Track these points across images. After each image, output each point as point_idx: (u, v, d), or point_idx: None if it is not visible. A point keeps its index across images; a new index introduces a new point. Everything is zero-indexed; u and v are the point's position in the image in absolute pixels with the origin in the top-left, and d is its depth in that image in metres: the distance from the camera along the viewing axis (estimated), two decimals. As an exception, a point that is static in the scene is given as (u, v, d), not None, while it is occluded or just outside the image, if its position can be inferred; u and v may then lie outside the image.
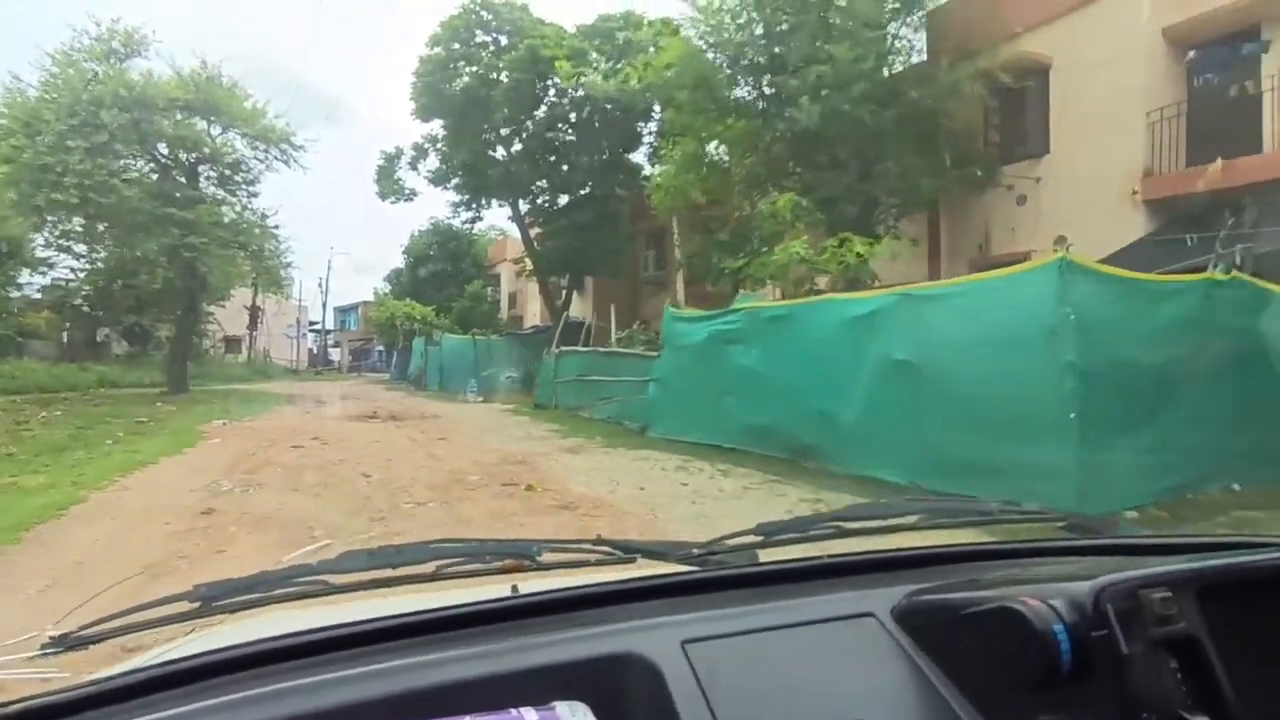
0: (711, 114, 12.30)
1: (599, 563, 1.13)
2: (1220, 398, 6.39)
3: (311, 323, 55.68)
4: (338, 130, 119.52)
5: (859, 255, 9.39)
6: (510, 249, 33.39)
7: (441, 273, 36.67)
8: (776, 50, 11.68)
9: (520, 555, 1.11)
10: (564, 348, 16.65)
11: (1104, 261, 10.15)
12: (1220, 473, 6.50)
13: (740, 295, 9.79)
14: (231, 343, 44.57)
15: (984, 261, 13.04)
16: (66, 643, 0.95)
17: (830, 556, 1.10)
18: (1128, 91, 11.32)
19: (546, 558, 1.11)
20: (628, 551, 1.14)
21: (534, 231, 26.19)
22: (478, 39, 24.97)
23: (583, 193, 24.88)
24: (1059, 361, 5.73)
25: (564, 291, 26.58)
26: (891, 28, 13.65)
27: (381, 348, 48.87)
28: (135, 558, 4.60)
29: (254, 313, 41.49)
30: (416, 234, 38.86)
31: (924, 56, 13.86)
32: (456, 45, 24.79)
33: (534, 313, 31.93)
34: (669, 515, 5.87)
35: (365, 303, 54.40)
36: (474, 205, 28.44)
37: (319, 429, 12.26)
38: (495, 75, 23.81)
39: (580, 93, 22.76)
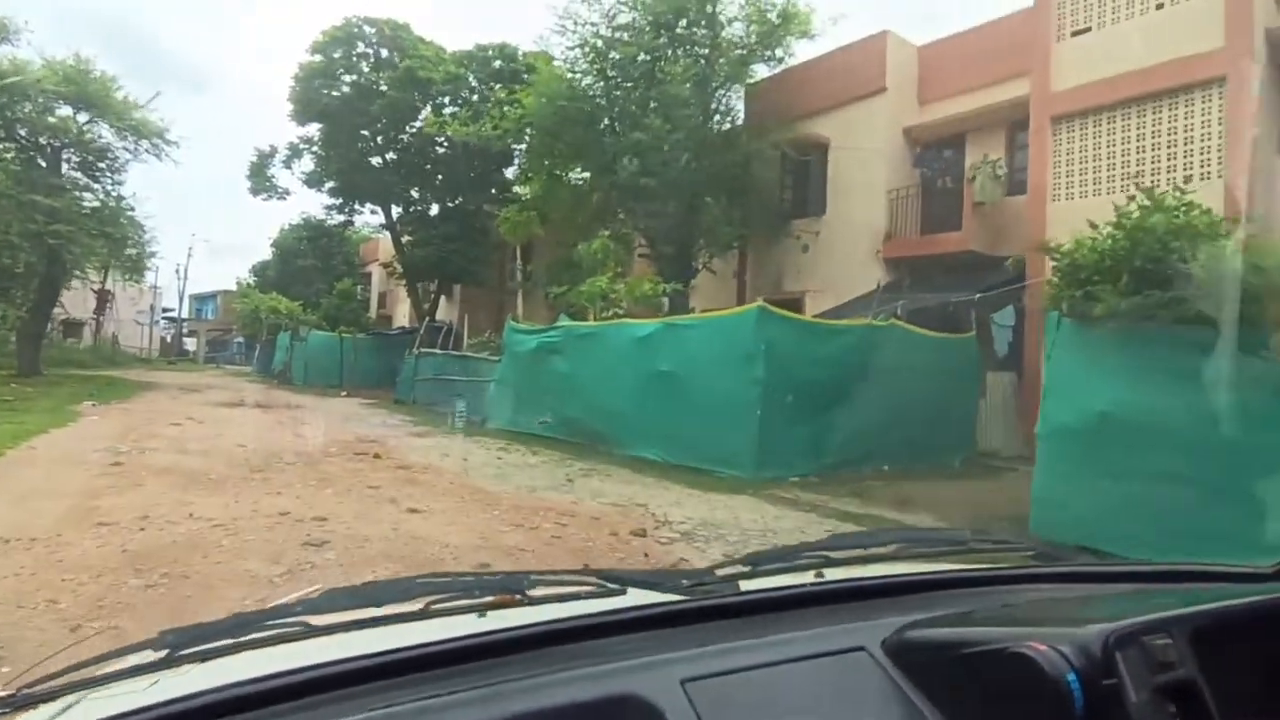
0: (556, 161, 14.73)
1: (588, 595, 1.12)
2: (873, 405, 9.34)
3: (165, 310, 53.31)
4: (203, 99, 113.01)
5: (647, 291, 12.04)
6: (383, 250, 34.22)
7: (311, 268, 36.78)
8: (613, 112, 14.25)
9: (509, 589, 1.11)
10: (424, 349, 18.47)
11: (851, 302, 13.43)
12: (872, 458, 9.48)
13: (560, 316, 12.22)
14: (72, 327, 42.33)
15: (777, 295, 16.11)
16: (14, 702, 0.87)
17: (817, 585, 1.15)
18: (878, 172, 14.70)
19: (536, 591, 1.11)
20: (618, 583, 1.15)
21: (405, 238, 27.54)
22: (359, 50, 26.22)
23: (454, 204, 26.59)
24: (753, 376, 8.48)
25: (433, 295, 28.08)
26: (718, 95, 16.67)
27: (242, 340, 47.75)
28: (69, 488, 6.32)
29: (103, 296, 39.76)
30: (287, 227, 38.84)
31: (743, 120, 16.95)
32: (338, 54, 25.91)
33: (403, 314, 33.01)
34: (478, 474, 8.17)
35: (226, 292, 52.77)
36: (347, 209, 29.37)
37: (191, 412, 13.53)
38: (375, 87, 25.16)
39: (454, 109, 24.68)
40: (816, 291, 15.10)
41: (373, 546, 4.83)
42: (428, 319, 23.69)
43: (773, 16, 16.10)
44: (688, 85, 14.95)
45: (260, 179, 29.24)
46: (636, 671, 0.86)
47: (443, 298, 28.43)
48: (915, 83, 15.05)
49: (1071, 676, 0.76)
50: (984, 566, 1.34)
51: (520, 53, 24.27)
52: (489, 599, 1.08)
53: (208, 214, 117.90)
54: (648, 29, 15.44)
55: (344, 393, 22.05)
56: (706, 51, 16.20)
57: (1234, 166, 10.02)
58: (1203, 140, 10.41)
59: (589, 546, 5.19)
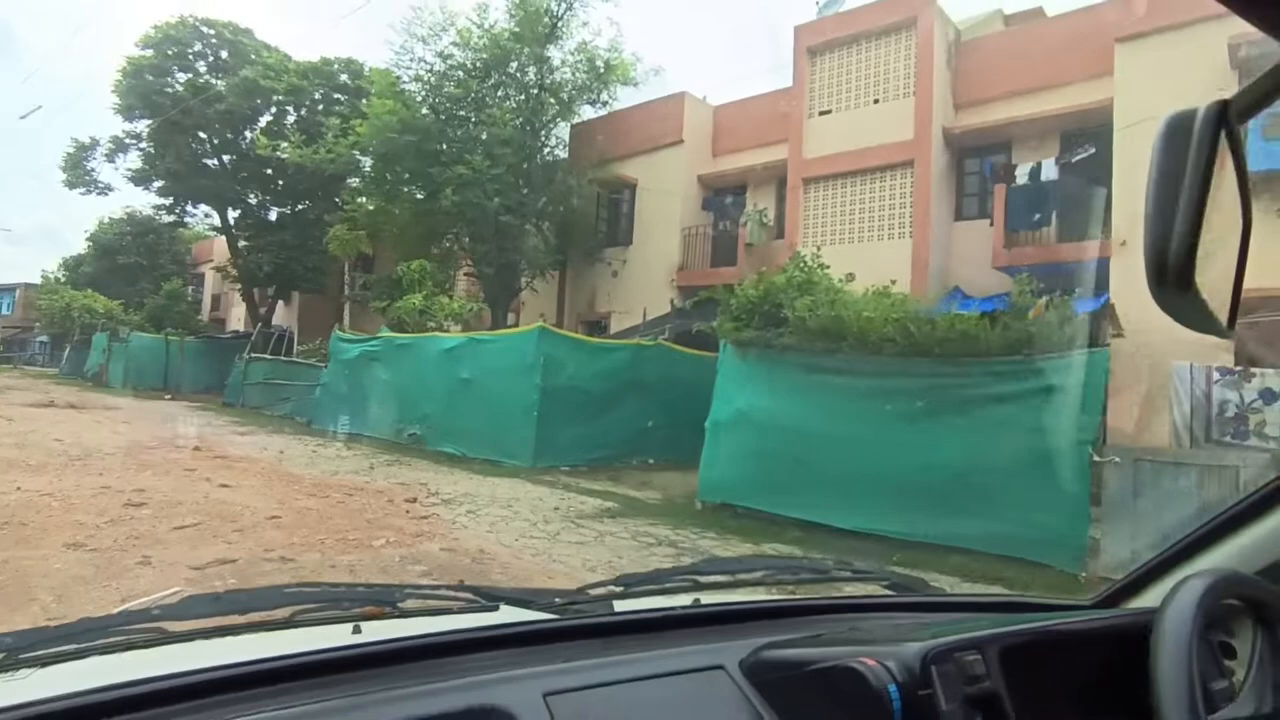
0: (389, 186, 16.05)
1: (461, 610, 1.12)
2: (637, 409, 11.44)
3: (-48, 303, 48.04)
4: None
5: (455, 309, 13.70)
6: (217, 251, 33.28)
7: (135, 266, 34.95)
8: (441, 145, 15.75)
9: (380, 601, 1.11)
10: (255, 354, 18.95)
11: (647, 322, 15.63)
12: (637, 452, 11.56)
13: (381, 328, 13.59)
14: None
15: (591, 314, 18.26)
16: None
17: (685, 608, 1.20)
18: (675, 212, 17.11)
19: (407, 604, 1.11)
20: (491, 599, 1.15)
21: (243, 242, 27.23)
22: (195, 49, 25.86)
23: (295, 211, 26.71)
24: (533, 384, 10.32)
25: (270, 300, 27.92)
26: (548, 130, 18.56)
27: (46, 339, 44.03)
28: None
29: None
30: (106, 221, 36.61)
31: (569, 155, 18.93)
32: (171, 51, 25.44)
33: (238, 318, 32.26)
34: (290, 462, 9.45)
35: (28, 286, 48.41)
36: (178, 209, 28.57)
37: (-4, 411, 13.55)
38: (213, 89, 24.95)
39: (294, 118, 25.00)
40: (621, 312, 17.27)
41: (184, 508, 6.16)
42: (262, 324, 23.82)
43: (598, 64, 18.27)
44: (511, 126, 16.72)
45: (77, 172, 27.90)
46: (501, 685, 0.88)
47: (280, 303, 28.31)
48: (710, 137, 17.66)
49: (893, 688, 0.85)
50: (841, 595, 1.45)
51: (367, 68, 25.02)
52: (358, 610, 1.07)
53: (4, 198, 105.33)
54: (478, 69, 17.10)
55: (168, 396, 21.80)
56: (536, 91, 18.09)
57: (919, 227, 13.11)
58: (900, 206, 13.47)
59: (366, 508, 6.78)
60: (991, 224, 12.57)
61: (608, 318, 17.41)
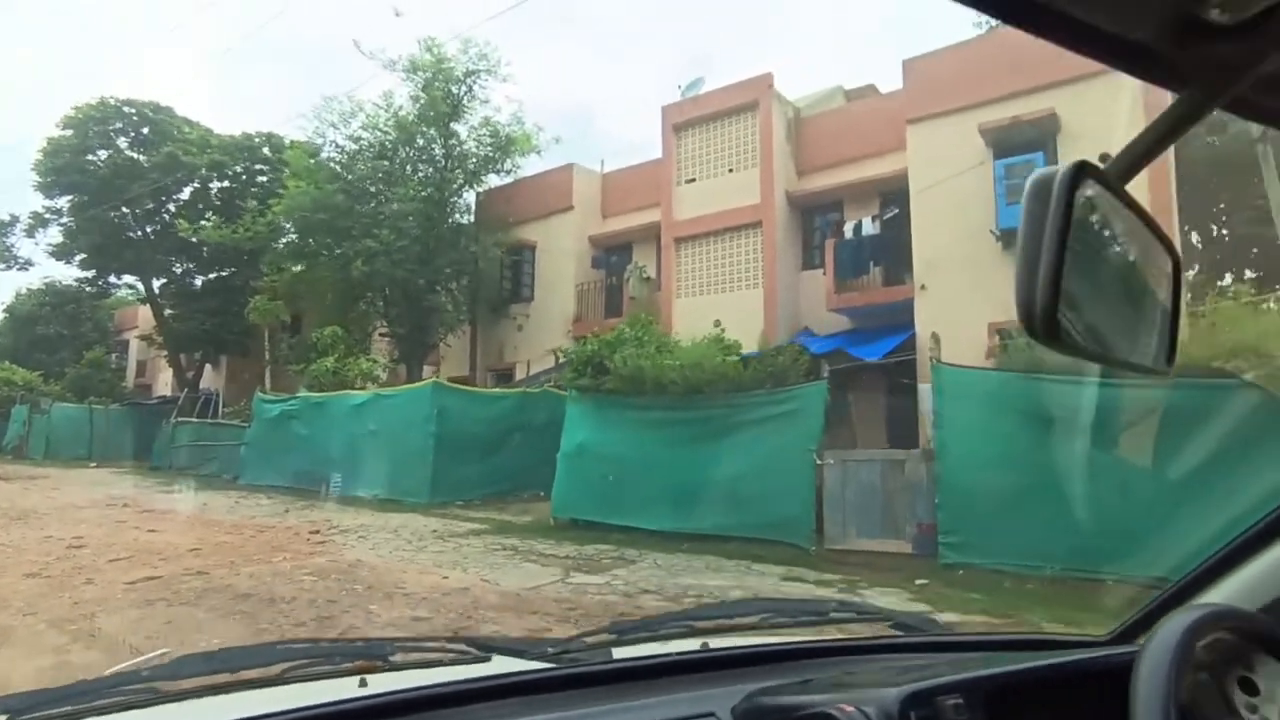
0: (304, 259, 17.65)
1: (453, 661, 1.14)
2: (526, 448, 13.08)
3: None
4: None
5: (364, 369, 15.29)
6: (142, 317, 33.73)
7: (55, 336, 35.07)
8: (350, 221, 17.45)
9: (371, 655, 1.13)
10: (181, 419, 19.98)
11: (544, 371, 17.39)
12: (528, 486, 13.17)
13: (300, 388, 15.07)
14: None
15: (499, 365, 19.96)
16: None
17: (679, 654, 1.21)
18: (569, 270, 19.07)
19: (399, 657, 1.13)
20: (483, 649, 1.17)
21: (168, 310, 28.05)
22: (115, 127, 26.97)
23: (220, 277, 27.74)
24: (429, 431, 11.95)
25: (197, 365, 28.69)
26: (456, 198, 20.43)
27: (-40, 413, 43.14)
28: None
29: None
30: (25, 292, 36.70)
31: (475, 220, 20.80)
32: (92, 131, 26.51)
33: (165, 383, 32.68)
34: (212, 512, 10.82)
35: (-58, 360, 47.32)
36: (101, 281, 29.20)
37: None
38: (134, 165, 26.07)
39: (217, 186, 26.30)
40: (524, 362, 19.03)
41: (117, 547, 7.59)
42: (189, 389, 24.71)
43: (501, 137, 20.31)
44: (420, 198, 18.54)
45: (-3, 249, 28.43)
46: None
47: (208, 367, 29.07)
48: (599, 201, 19.79)
49: None
50: (840, 637, 1.43)
51: (288, 142, 26.49)
52: (349, 665, 1.10)
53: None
54: (386, 149, 18.93)
55: (94, 464, 22.43)
56: (444, 164, 20.00)
57: (768, 279, 15.31)
58: (755, 260, 15.67)
59: (274, 540, 8.30)
60: (823, 273, 14.85)
61: (513, 368, 19.13)
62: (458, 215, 20.82)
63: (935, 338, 7.50)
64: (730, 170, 16.29)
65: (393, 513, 10.84)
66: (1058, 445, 6.33)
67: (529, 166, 20.95)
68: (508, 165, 21.01)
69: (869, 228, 14.73)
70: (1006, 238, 11.87)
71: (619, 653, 1.24)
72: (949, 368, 7.10)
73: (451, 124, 19.95)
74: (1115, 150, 0.53)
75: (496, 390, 13.89)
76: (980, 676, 1.00)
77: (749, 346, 13.31)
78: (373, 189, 18.75)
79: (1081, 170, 0.46)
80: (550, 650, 1.20)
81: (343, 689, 1.03)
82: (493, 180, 21.18)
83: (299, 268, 19.26)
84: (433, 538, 8.51)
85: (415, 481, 11.88)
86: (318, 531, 8.84)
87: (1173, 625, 0.77)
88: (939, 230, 12.83)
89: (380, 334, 19.26)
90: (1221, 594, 1.08)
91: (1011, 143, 12.25)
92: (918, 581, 6.33)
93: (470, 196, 21.43)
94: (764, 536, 7.59)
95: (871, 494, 7.25)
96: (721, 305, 15.53)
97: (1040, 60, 11.87)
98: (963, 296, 11.98)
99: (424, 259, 18.18)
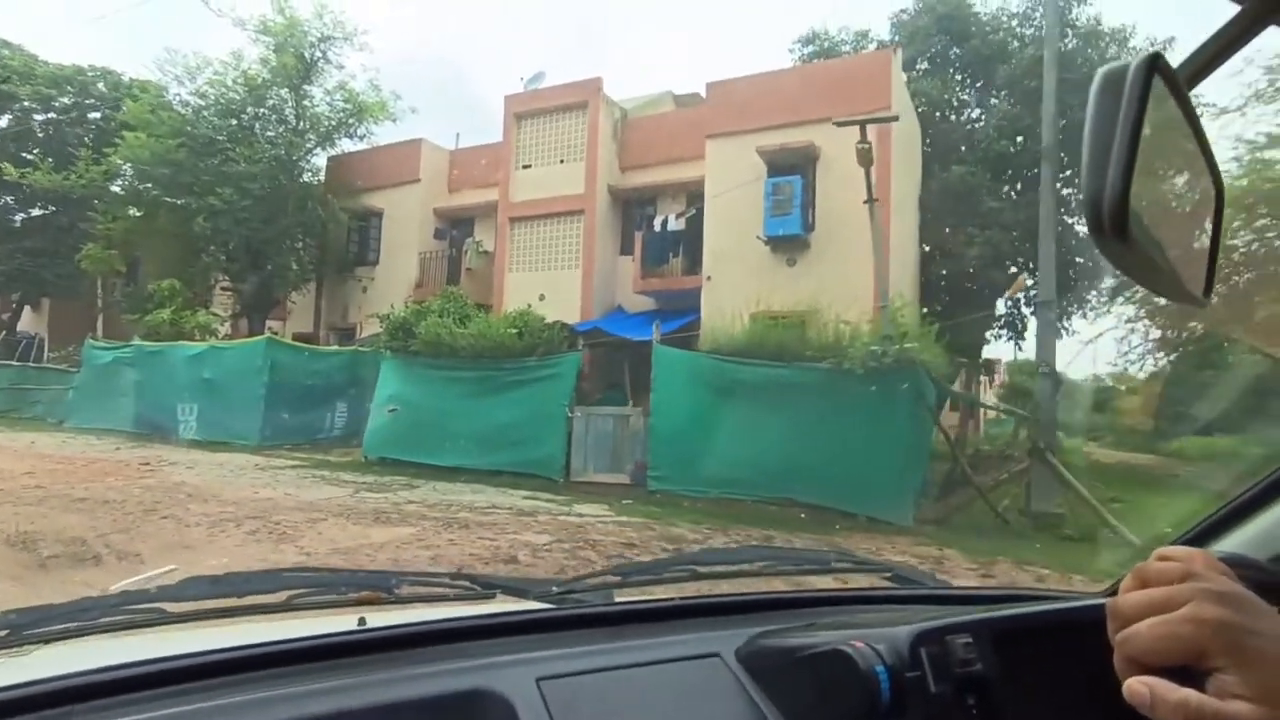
0: (143, 209, 17.96)
1: (457, 597, 1.15)
2: (356, 401, 14.63)
3: None
4: None
5: (201, 321, 16.20)
6: (-51, 253, 31.32)
7: None
8: (193, 177, 17.93)
9: (376, 587, 1.13)
10: (1, 362, 19.69)
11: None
12: (354, 434, 14.75)
13: (134, 337, 15.74)
14: None
15: (344, 324, 21.05)
16: None
17: (682, 598, 1.22)
18: (414, 238, 20.40)
19: (403, 590, 1.13)
20: (487, 587, 1.18)
21: (-18, 247, 26.52)
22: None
23: (46, 214, 26.48)
24: (261, 381, 13.25)
25: (14, 306, 27.35)
26: (307, 158, 21.08)
27: None
28: None
29: None
30: None
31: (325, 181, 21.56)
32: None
33: (-24, 323, 30.78)
34: (42, 448, 11.70)
35: None
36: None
37: None
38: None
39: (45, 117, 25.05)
40: (367, 321, 20.26)
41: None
42: (5, 331, 23.86)
43: (356, 103, 21.11)
44: (268, 158, 19.18)
45: None
46: (494, 669, 0.90)
47: (28, 309, 27.79)
48: (446, 176, 21.15)
49: (880, 669, 0.86)
50: (841, 587, 1.46)
51: (128, 79, 25.47)
52: (355, 595, 1.10)
53: None
54: (233, 106, 19.35)
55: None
56: (295, 123, 20.60)
57: (586, 261, 17.44)
58: (576, 244, 17.73)
59: (106, 469, 9.57)
60: (633, 260, 17.16)
61: (356, 327, 20.31)
62: (309, 176, 21.50)
63: (657, 325, 9.86)
64: (561, 161, 18.19)
65: (222, 452, 12.16)
66: (727, 406, 8.87)
67: (385, 134, 21.91)
68: (362, 131, 21.89)
69: (674, 223, 17.13)
70: (772, 243, 14.57)
71: (621, 595, 1.26)
72: (662, 347, 9.49)
73: (305, 86, 20.57)
74: None
75: (332, 347, 15.26)
76: (989, 618, 1.02)
77: (570, 319, 15.47)
78: (219, 146, 19.15)
79: (1155, 64, 0.43)
80: (554, 590, 1.21)
81: (346, 621, 1.03)
82: (347, 145, 22.00)
83: (136, 212, 19.36)
84: (254, 469, 10.07)
85: (246, 427, 13.17)
86: (148, 464, 10.14)
87: None
88: (724, 231, 15.38)
89: (222, 288, 19.83)
90: (1229, 545, 1.07)
91: (780, 164, 14.91)
92: (624, 501, 8.70)
93: (322, 159, 22.16)
94: (527, 471, 9.77)
95: (606, 440, 9.59)
96: (548, 281, 17.57)
97: (806, 99, 14.61)
98: (738, 287, 14.55)
99: (270, 218, 18.93)
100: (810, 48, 22.20)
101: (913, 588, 1.44)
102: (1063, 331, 22.00)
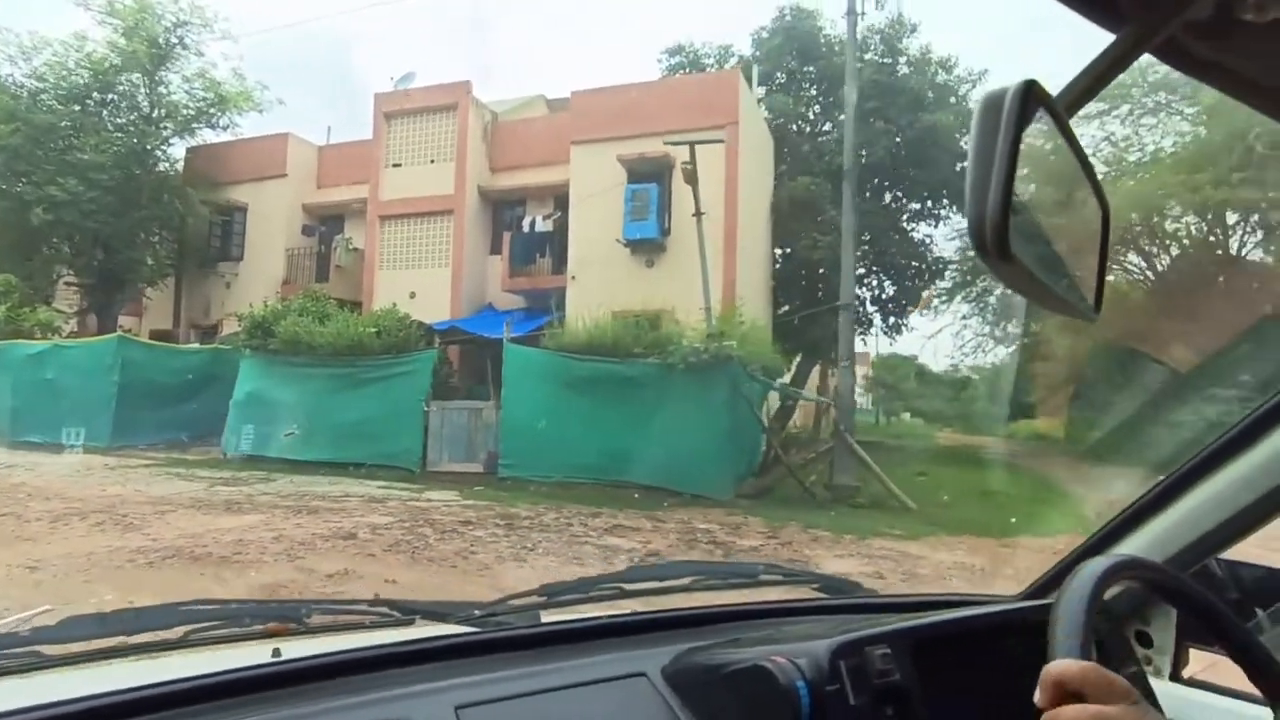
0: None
1: (374, 624, 1.13)
2: (217, 398, 14.50)
3: None
4: None
5: (42, 319, 15.57)
6: None
7: None
8: (32, 167, 17.02)
9: (284, 617, 1.09)
10: None
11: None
12: (211, 434, 14.64)
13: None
14: None
15: (206, 321, 20.47)
16: None
17: (609, 617, 1.21)
18: (281, 235, 20.12)
19: (315, 619, 1.10)
20: (406, 612, 1.15)
21: None
22: None
23: None
24: (111, 380, 13.00)
25: None
26: (163, 148, 20.28)
27: None
28: None
29: None
30: None
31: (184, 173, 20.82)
32: None
33: None
34: None
35: None
36: None
37: None
38: None
39: None
40: (230, 319, 19.84)
41: None
42: None
43: (217, 92, 20.48)
44: (118, 147, 18.41)
45: None
46: (412, 699, 0.88)
47: None
48: (315, 172, 20.94)
49: (801, 684, 0.87)
50: (769, 599, 1.41)
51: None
52: (260, 627, 1.06)
53: None
54: (76, 92, 18.43)
55: None
56: (150, 111, 19.80)
57: (456, 261, 17.88)
58: (446, 243, 18.12)
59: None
60: (502, 259, 17.76)
61: (220, 324, 19.82)
62: (166, 167, 20.72)
63: (508, 324, 10.62)
64: (432, 161, 18.50)
65: (69, 454, 11.91)
66: (571, 399, 9.74)
67: (252, 126, 21.41)
68: (225, 122, 21.30)
69: (541, 225, 17.87)
70: (631, 245, 15.56)
71: (547, 616, 1.24)
72: (512, 345, 10.27)
73: (160, 73, 19.82)
74: None
75: (191, 345, 15.02)
76: (906, 628, 1.03)
77: (441, 316, 15.89)
78: (61, 132, 18.19)
79: (1030, 91, 0.45)
80: (476, 613, 1.20)
81: (254, 655, 0.97)
82: (209, 136, 21.34)
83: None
84: (103, 469, 10.06)
85: (96, 427, 12.88)
86: (-14, 466, 9.93)
87: (1085, 573, 0.75)
88: (588, 233, 16.22)
89: (66, 283, 18.87)
90: (1130, 548, 1.12)
91: (639, 172, 15.92)
92: (475, 488, 9.42)
93: (181, 150, 21.39)
94: (385, 463, 10.30)
95: (461, 432, 10.26)
96: (418, 279, 17.87)
97: (663, 111, 15.68)
98: (600, 287, 15.44)
99: (121, 210, 18.20)
100: (676, 58, 23.41)
101: (841, 597, 1.47)
102: (902, 328, 24.48)
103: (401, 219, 18.52)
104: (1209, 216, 17.73)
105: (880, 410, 43.69)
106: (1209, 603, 0.85)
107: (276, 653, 0.99)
